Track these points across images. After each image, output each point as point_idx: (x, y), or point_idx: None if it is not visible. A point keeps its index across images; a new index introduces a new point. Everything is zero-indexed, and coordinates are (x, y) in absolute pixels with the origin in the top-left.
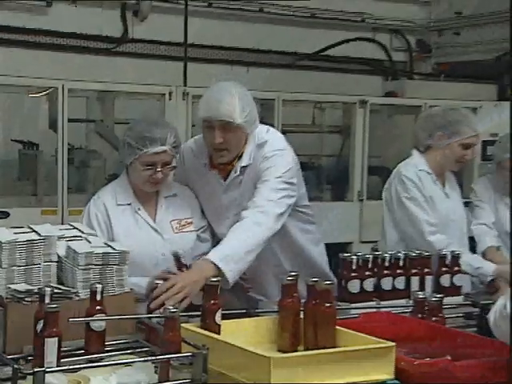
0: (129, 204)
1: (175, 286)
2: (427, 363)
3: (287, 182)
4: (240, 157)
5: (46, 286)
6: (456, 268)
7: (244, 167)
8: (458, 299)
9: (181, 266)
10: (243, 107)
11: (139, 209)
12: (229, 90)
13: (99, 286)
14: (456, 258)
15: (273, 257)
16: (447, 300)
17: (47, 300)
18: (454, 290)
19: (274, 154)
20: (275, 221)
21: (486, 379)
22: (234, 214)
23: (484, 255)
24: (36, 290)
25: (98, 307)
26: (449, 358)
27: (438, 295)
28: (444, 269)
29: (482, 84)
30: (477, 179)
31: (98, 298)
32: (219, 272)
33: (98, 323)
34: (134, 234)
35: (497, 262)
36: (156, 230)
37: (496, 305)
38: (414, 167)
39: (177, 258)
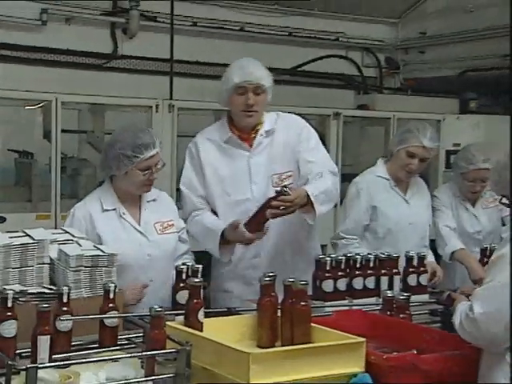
0: (114, 209)
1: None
2: (395, 357)
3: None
4: (262, 123)
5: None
6: (422, 268)
7: (267, 131)
8: (424, 297)
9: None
10: (269, 73)
11: (124, 213)
12: (255, 61)
13: (112, 285)
14: (422, 259)
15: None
16: (414, 298)
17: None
18: (421, 288)
19: (304, 125)
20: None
21: (448, 371)
22: (261, 178)
23: (452, 255)
24: (30, 291)
25: (110, 305)
26: (415, 352)
27: (406, 294)
28: (411, 269)
29: (445, 98)
30: (439, 187)
31: (111, 296)
32: (310, 207)
33: (112, 319)
34: (120, 237)
35: (466, 262)
36: (141, 233)
37: (458, 309)
38: (372, 174)
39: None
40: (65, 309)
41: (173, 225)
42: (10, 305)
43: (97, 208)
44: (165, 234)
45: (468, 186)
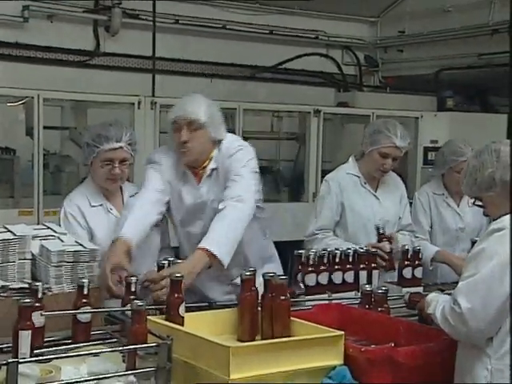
0: (101, 205)
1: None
2: (372, 350)
3: (253, 172)
4: (210, 160)
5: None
6: (417, 262)
7: (214, 169)
8: (419, 290)
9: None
10: (207, 109)
11: (111, 208)
12: (195, 96)
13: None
14: (417, 253)
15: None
16: (408, 290)
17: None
18: (415, 281)
19: (237, 149)
20: (252, 206)
21: (426, 364)
22: (206, 216)
23: (433, 259)
24: (12, 286)
25: (84, 300)
26: (392, 344)
27: (383, 288)
28: (406, 262)
29: (423, 96)
30: (419, 190)
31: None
32: (213, 257)
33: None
34: (109, 231)
35: (448, 260)
36: None
37: (438, 302)
38: (342, 171)
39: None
40: (85, 300)
41: None
42: None
43: (85, 203)
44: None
45: (457, 178)
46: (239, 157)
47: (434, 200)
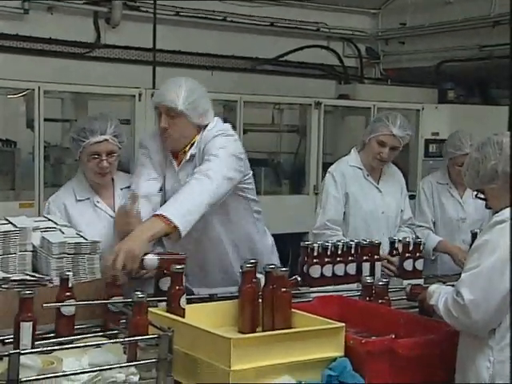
0: (87, 198)
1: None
2: (373, 342)
3: (234, 155)
4: (192, 145)
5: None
6: (418, 254)
7: (193, 155)
8: (420, 282)
9: None
10: (188, 96)
11: (98, 202)
12: (177, 81)
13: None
14: (418, 245)
15: (218, 247)
16: (409, 282)
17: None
18: (416, 273)
19: (219, 132)
20: (219, 184)
21: (426, 355)
22: None
23: (435, 249)
24: (13, 278)
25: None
26: (393, 336)
27: (384, 280)
28: (407, 254)
29: (424, 88)
30: (423, 179)
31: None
32: (169, 225)
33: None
34: (95, 225)
35: (448, 250)
36: None
37: (441, 293)
38: (345, 163)
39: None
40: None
41: None
42: None
43: (70, 199)
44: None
45: (458, 170)
46: (218, 140)
47: (437, 189)
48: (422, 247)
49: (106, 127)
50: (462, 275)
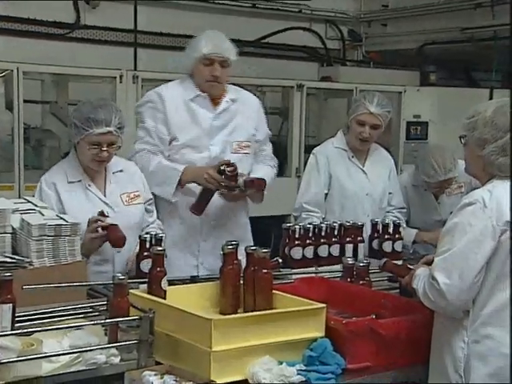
0: (79, 181)
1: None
2: (354, 322)
3: None
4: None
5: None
6: (397, 236)
7: (232, 99)
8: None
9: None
10: (234, 48)
11: (89, 185)
12: (220, 34)
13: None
14: (397, 226)
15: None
16: None
17: None
18: (395, 254)
19: (260, 106)
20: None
21: (406, 335)
22: (221, 142)
23: (414, 242)
24: None
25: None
26: (373, 316)
27: (365, 261)
28: (386, 236)
29: (406, 71)
30: (403, 172)
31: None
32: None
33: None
34: (86, 208)
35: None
36: (107, 204)
37: (420, 276)
38: (330, 144)
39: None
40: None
41: (139, 196)
42: None
43: (62, 180)
44: (131, 205)
45: (433, 189)
46: (263, 118)
47: (409, 190)
48: (401, 229)
49: (111, 118)
50: (435, 259)
